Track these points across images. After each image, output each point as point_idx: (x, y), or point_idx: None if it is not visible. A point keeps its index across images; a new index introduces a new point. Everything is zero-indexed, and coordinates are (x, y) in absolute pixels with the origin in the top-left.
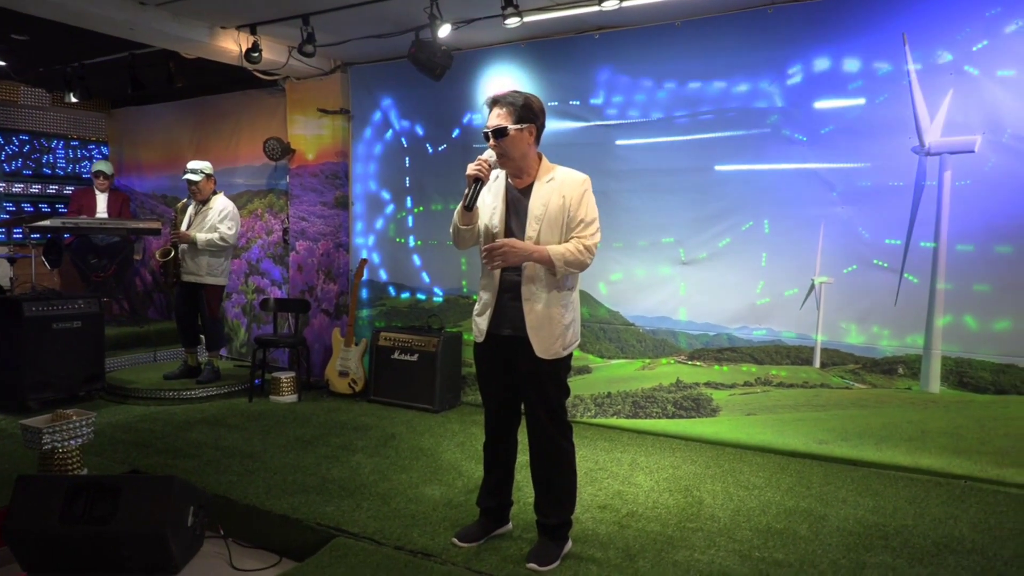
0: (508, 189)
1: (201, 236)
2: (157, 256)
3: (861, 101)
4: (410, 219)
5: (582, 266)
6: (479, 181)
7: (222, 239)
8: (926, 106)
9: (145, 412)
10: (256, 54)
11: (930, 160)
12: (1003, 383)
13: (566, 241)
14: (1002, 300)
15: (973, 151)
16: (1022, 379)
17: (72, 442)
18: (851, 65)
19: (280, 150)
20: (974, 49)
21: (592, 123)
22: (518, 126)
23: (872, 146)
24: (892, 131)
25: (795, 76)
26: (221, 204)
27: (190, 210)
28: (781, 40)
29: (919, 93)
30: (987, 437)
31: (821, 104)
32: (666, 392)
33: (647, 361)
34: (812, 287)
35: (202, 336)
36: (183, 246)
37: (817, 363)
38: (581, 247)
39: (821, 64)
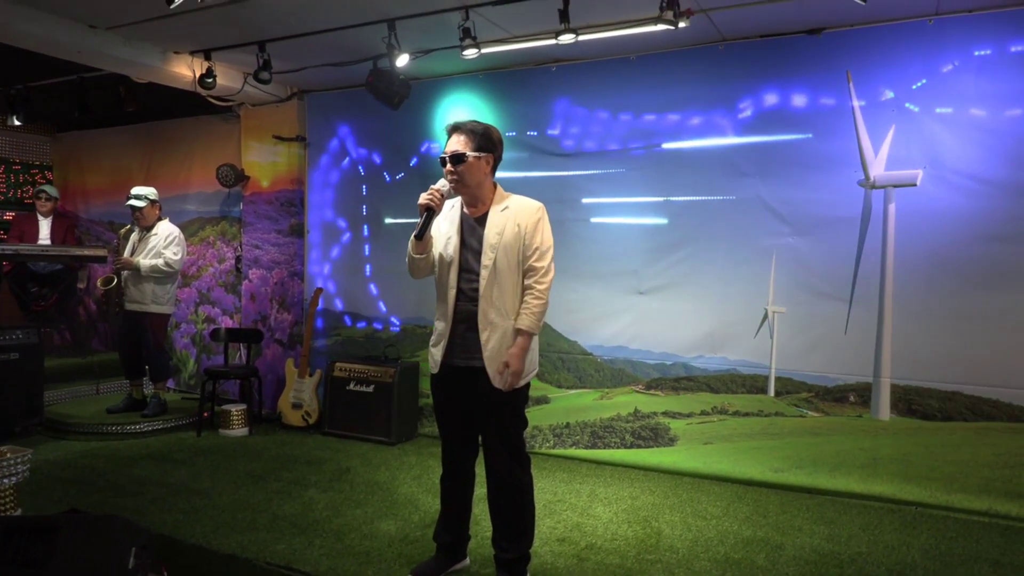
0: (463, 218)
1: (144, 262)
2: (99, 284)
3: (809, 135)
4: (367, 247)
5: (545, 309)
6: (431, 211)
7: (167, 265)
8: (870, 141)
9: (86, 448)
10: (210, 80)
11: (875, 193)
12: (949, 410)
13: (525, 272)
14: (946, 328)
15: (916, 184)
16: (967, 406)
17: (5, 481)
18: (799, 100)
19: (234, 177)
20: (914, 87)
21: (549, 153)
22: (476, 153)
23: (820, 179)
24: (839, 164)
25: (746, 110)
26: (166, 230)
27: (133, 236)
28: (732, 76)
29: (863, 128)
30: (936, 463)
31: (771, 138)
32: (624, 422)
33: (605, 391)
34: (766, 316)
35: (147, 367)
36: (126, 273)
37: (772, 392)
38: (537, 297)
39: (770, 99)
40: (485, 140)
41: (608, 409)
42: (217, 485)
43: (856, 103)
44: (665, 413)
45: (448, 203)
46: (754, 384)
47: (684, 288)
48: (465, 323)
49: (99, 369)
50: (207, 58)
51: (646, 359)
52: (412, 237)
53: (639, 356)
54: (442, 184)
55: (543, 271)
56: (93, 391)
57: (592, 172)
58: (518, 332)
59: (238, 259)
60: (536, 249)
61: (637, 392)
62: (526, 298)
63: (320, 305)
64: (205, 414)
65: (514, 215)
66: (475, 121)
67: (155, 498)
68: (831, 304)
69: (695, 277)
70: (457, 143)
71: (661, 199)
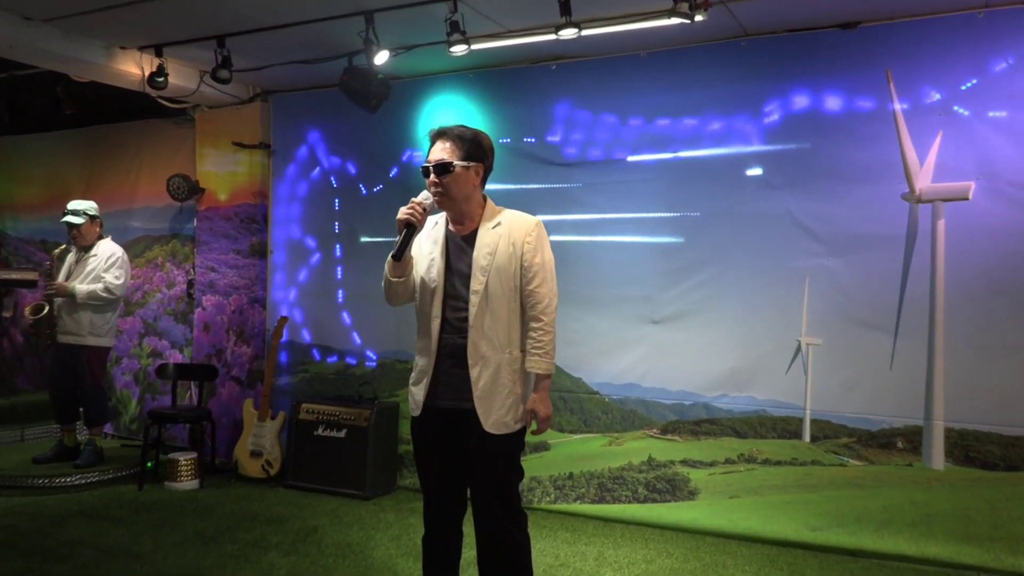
0: (449, 237)
1: (81, 287)
2: (27, 313)
3: (845, 142)
4: (339, 270)
5: (555, 342)
6: (411, 227)
7: (107, 290)
8: (914, 149)
9: (7, 505)
10: (161, 79)
11: (922, 208)
12: (1014, 458)
13: (524, 298)
14: (1007, 363)
15: (967, 198)
16: None
17: None
18: (833, 103)
19: (187, 189)
20: (963, 88)
21: (549, 163)
22: (464, 163)
23: (859, 191)
24: (880, 175)
25: (772, 114)
26: (108, 250)
27: (70, 258)
28: (757, 75)
29: (906, 135)
30: (1000, 520)
31: (802, 145)
32: (637, 472)
33: (614, 436)
34: (798, 349)
35: (82, 409)
36: (60, 300)
37: (807, 436)
38: (546, 331)
39: (800, 101)
40: (474, 147)
41: (618, 457)
42: (161, 548)
43: (898, 106)
44: (684, 462)
45: (431, 220)
46: (786, 428)
47: (704, 316)
48: (451, 358)
49: (25, 411)
50: (158, 54)
51: (661, 399)
52: (389, 257)
53: (653, 395)
54: (424, 197)
55: (547, 298)
56: (17, 437)
57: (598, 183)
58: (536, 377)
59: (190, 283)
60: (536, 271)
61: (651, 437)
62: (534, 333)
63: (285, 337)
64: (149, 464)
65: (507, 232)
66: (463, 126)
67: (87, 563)
68: (873, 335)
69: (716, 304)
70: (442, 151)
71: (677, 214)
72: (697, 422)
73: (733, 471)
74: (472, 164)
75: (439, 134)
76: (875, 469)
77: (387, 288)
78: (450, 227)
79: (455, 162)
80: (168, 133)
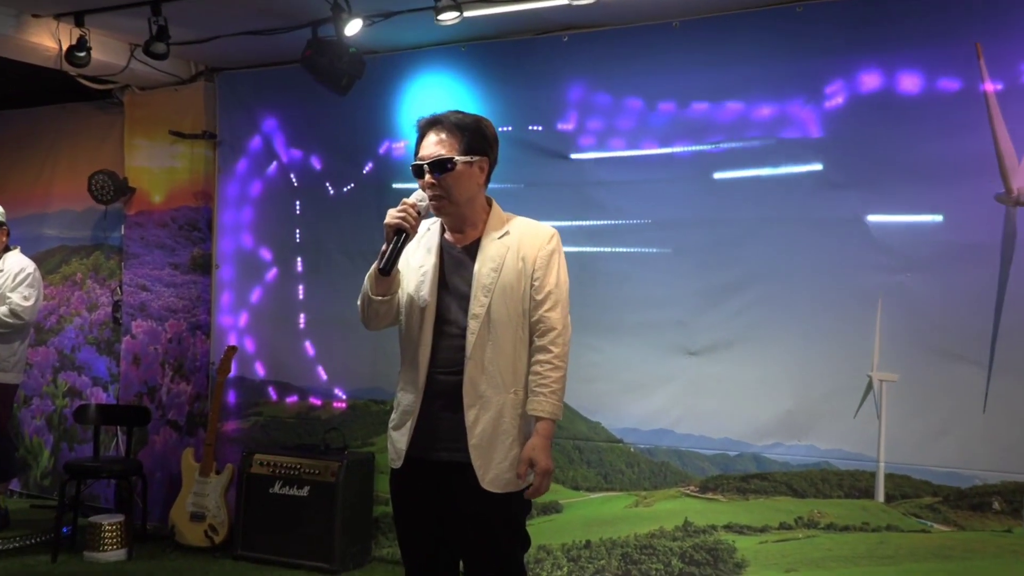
0: (444, 247)
1: None
2: None
3: (925, 131)
4: (300, 289)
5: (566, 381)
6: (403, 234)
7: (13, 314)
8: (1011, 140)
9: None
10: (83, 53)
11: (1021, 212)
12: None
13: (533, 325)
14: None
15: None
16: None
17: None
18: (909, 83)
19: (113, 189)
20: None
21: (560, 156)
22: (467, 158)
23: (942, 193)
24: (968, 172)
25: (835, 96)
26: (16, 264)
27: None
28: (815, 49)
29: (1000, 122)
30: None
31: (872, 134)
32: (670, 539)
33: (642, 495)
34: (869, 387)
35: None
36: None
37: (881, 495)
38: (556, 366)
39: (869, 81)
40: (477, 138)
41: (646, 521)
42: None
43: (990, 87)
44: (728, 527)
45: (422, 224)
46: (855, 484)
47: (752, 347)
48: (443, 397)
49: None
50: (78, 23)
51: (700, 448)
52: (373, 270)
53: (689, 444)
54: (419, 197)
55: (559, 326)
56: None
57: (620, 182)
58: (539, 420)
59: (116, 305)
60: (549, 293)
61: (688, 496)
62: (539, 367)
63: (233, 371)
64: (65, 529)
65: (517, 244)
66: (460, 112)
67: None
68: (962, 369)
69: (767, 331)
70: (438, 144)
71: (717, 220)
72: (744, 478)
73: (789, 539)
74: (476, 159)
75: (432, 123)
76: (965, 536)
77: (366, 307)
78: (446, 236)
79: (457, 157)
80: (91, 120)
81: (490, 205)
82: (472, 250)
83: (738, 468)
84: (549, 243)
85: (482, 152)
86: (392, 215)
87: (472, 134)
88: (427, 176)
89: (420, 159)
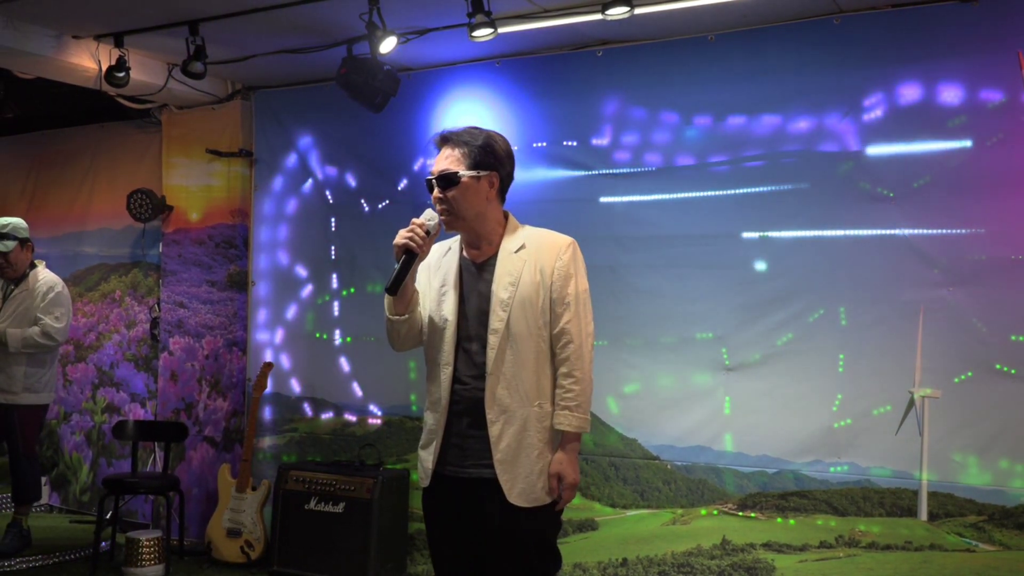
0: (463, 265)
1: (15, 332)
2: None
3: (967, 144)
4: (336, 305)
5: (591, 393)
6: (410, 254)
7: (46, 335)
8: None
9: None
10: (122, 73)
11: None
12: None
13: (555, 337)
14: None
15: None
16: None
17: None
18: (950, 94)
19: (151, 207)
20: None
21: (595, 172)
22: (473, 172)
23: (985, 205)
24: (1012, 185)
25: (875, 109)
26: (45, 283)
27: None
28: (854, 61)
29: None
30: None
31: (912, 147)
32: (707, 558)
33: (679, 512)
34: (911, 403)
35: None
36: None
37: (924, 514)
38: (578, 380)
39: (909, 93)
40: (485, 153)
41: (684, 539)
42: None
43: None
44: (767, 545)
45: (443, 245)
46: (897, 502)
47: (791, 362)
48: (467, 414)
49: None
50: (118, 44)
51: (738, 465)
52: (384, 291)
53: (727, 461)
54: (428, 217)
55: (580, 338)
56: None
57: (656, 198)
58: (564, 435)
59: (154, 322)
60: (568, 303)
61: (726, 514)
62: (564, 381)
63: (269, 388)
64: (104, 544)
65: (534, 256)
66: (472, 128)
67: None
68: (1009, 385)
69: (807, 346)
70: (447, 159)
71: (756, 235)
72: (784, 495)
73: (830, 557)
74: (483, 173)
75: (444, 139)
76: (1011, 556)
77: (390, 329)
78: (464, 253)
79: (462, 172)
80: (129, 139)
81: (506, 219)
82: (489, 266)
83: (777, 486)
84: (566, 251)
85: (490, 167)
86: (400, 236)
87: (480, 149)
88: (436, 191)
89: (431, 174)
